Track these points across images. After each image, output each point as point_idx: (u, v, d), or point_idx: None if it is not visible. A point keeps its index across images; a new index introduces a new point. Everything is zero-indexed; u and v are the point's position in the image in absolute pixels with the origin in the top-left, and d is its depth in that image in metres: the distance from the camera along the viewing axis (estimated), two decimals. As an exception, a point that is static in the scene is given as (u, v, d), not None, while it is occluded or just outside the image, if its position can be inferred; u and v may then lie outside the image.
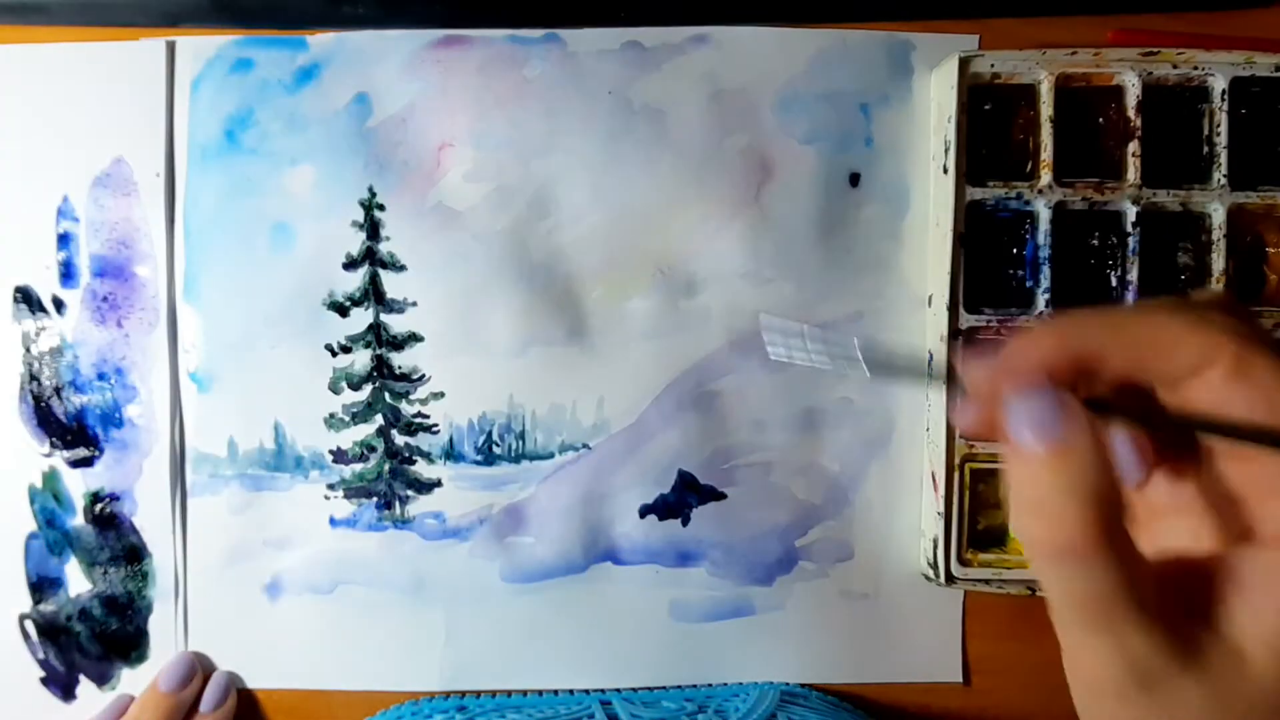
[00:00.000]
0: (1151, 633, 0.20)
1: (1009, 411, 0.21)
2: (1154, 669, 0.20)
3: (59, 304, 0.38)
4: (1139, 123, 0.35)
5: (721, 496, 0.38)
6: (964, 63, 0.35)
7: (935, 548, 0.36)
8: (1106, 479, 0.20)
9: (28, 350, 0.38)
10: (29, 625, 0.39)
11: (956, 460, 0.36)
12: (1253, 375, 0.20)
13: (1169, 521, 0.24)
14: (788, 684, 0.38)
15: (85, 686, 0.39)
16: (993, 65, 0.35)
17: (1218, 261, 0.35)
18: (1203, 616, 0.20)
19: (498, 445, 0.38)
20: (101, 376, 0.38)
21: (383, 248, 0.38)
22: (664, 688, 0.38)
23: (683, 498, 0.38)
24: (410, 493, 0.38)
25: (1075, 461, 0.20)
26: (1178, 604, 0.20)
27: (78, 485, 0.38)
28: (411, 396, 0.38)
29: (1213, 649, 0.20)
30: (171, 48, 0.38)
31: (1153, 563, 0.21)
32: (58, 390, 0.38)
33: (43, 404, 0.38)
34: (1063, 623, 0.21)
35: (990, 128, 0.37)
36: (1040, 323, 0.22)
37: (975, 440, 0.23)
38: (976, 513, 0.37)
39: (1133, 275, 0.35)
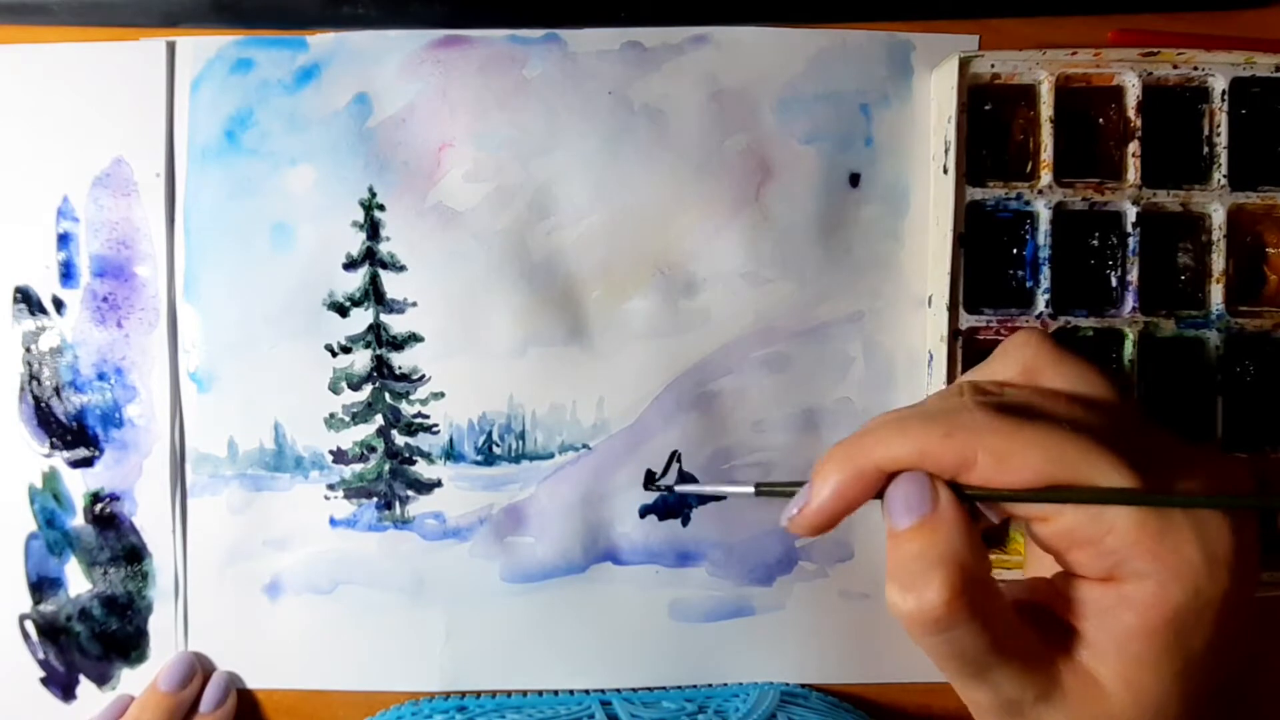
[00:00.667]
0: (1017, 673, 0.22)
1: (887, 495, 0.23)
2: (1019, 701, 0.22)
3: (59, 304, 0.38)
4: (1139, 123, 0.35)
5: (721, 497, 0.38)
6: (964, 63, 0.35)
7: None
8: (968, 547, 0.22)
9: (28, 350, 0.38)
10: (29, 625, 0.39)
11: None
12: (1011, 460, 0.22)
13: (1033, 549, 0.27)
14: (788, 684, 0.38)
15: (85, 686, 0.39)
16: (993, 65, 0.35)
17: (1218, 261, 0.35)
18: (1065, 647, 0.22)
19: (498, 445, 0.38)
20: (101, 376, 0.38)
21: (383, 248, 0.38)
22: (664, 688, 0.38)
23: (682, 498, 0.38)
24: (410, 493, 0.38)
25: (941, 532, 0.22)
26: (1044, 636, 0.23)
27: (78, 485, 0.38)
28: (411, 397, 0.38)
29: (1072, 680, 0.22)
30: (171, 48, 0.38)
31: (1020, 598, 0.24)
32: (58, 390, 0.38)
33: (43, 404, 0.38)
34: (945, 673, 0.23)
35: (990, 128, 0.37)
36: (846, 439, 0.24)
37: (802, 535, 0.26)
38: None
39: (1133, 275, 0.35)
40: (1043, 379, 0.25)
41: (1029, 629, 0.23)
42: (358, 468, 0.38)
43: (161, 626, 0.38)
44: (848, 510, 0.24)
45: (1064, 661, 0.22)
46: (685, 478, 0.38)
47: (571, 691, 0.38)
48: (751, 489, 0.28)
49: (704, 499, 0.38)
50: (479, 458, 0.38)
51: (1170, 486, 0.22)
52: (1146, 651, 0.21)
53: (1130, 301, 0.35)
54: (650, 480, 0.33)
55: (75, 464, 0.38)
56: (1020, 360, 0.25)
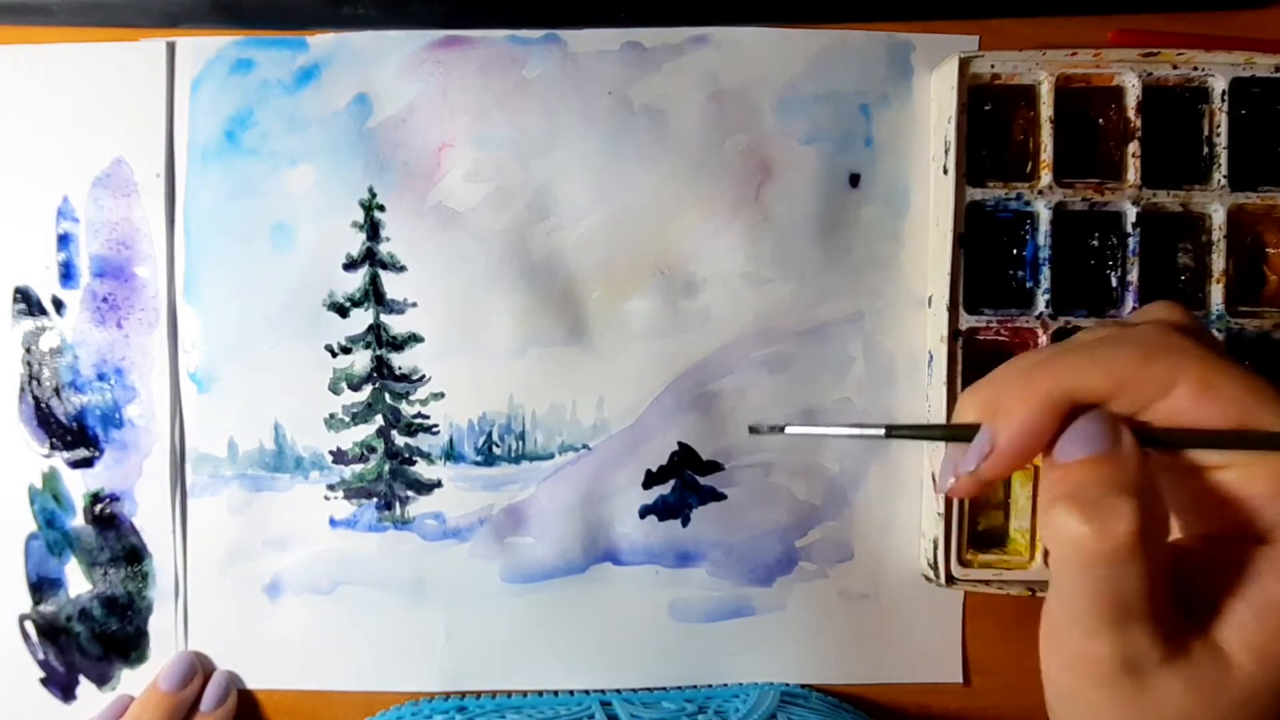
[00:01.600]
0: (1150, 629, 0.21)
1: (1064, 435, 0.22)
2: (1144, 660, 0.21)
3: (59, 304, 0.38)
4: (1139, 123, 0.35)
5: (721, 497, 0.38)
6: (964, 63, 0.35)
7: (935, 548, 0.36)
8: (1151, 486, 0.21)
9: (28, 351, 0.38)
10: (29, 626, 0.39)
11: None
12: (1219, 389, 0.21)
13: (1178, 520, 0.25)
14: (788, 684, 0.38)
15: (85, 687, 0.39)
16: (993, 66, 0.35)
17: (1218, 262, 0.35)
18: (1194, 614, 0.21)
19: (498, 446, 0.38)
20: (101, 377, 0.38)
21: (383, 248, 0.38)
22: (664, 688, 0.38)
23: (682, 497, 0.38)
24: (410, 493, 0.38)
25: (1127, 467, 0.21)
26: (1175, 600, 0.21)
27: (78, 486, 0.38)
28: (411, 397, 0.38)
29: (1198, 646, 0.21)
30: (171, 48, 0.38)
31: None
32: (58, 391, 0.38)
33: (43, 404, 0.38)
34: (1073, 616, 0.21)
35: (990, 128, 0.37)
36: (1012, 371, 0.23)
37: (969, 495, 0.24)
38: (976, 513, 0.37)
39: (1133, 276, 0.35)
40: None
41: (1169, 589, 0.21)
42: (358, 468, 0.38)
43: (161, 627, 0.38)
44: (1036, 452, 0.22)
45: (1193, 628, 0.21)
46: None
47: (571, 692, 0.38)
48: (882, 430, 0.25)
49: (705, 499, 0.38)
50: (479, 458, 0.38)
51: None
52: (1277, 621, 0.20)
53: (1130, 301, 0.35)
54: (755, 428, 0.30)
55: (75, 464, 0.38)
56: (1167, 319, 0.24)
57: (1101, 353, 0.22)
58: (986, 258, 0.36)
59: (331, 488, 0.38)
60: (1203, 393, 0.21)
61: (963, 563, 0.36)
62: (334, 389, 0.38)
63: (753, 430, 0.28)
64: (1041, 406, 0.22)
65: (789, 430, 0.27)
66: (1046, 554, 0.37)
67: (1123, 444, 0.21)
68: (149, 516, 0.38)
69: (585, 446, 0.38)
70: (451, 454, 0.38)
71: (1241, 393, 0.21)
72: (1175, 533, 0.25)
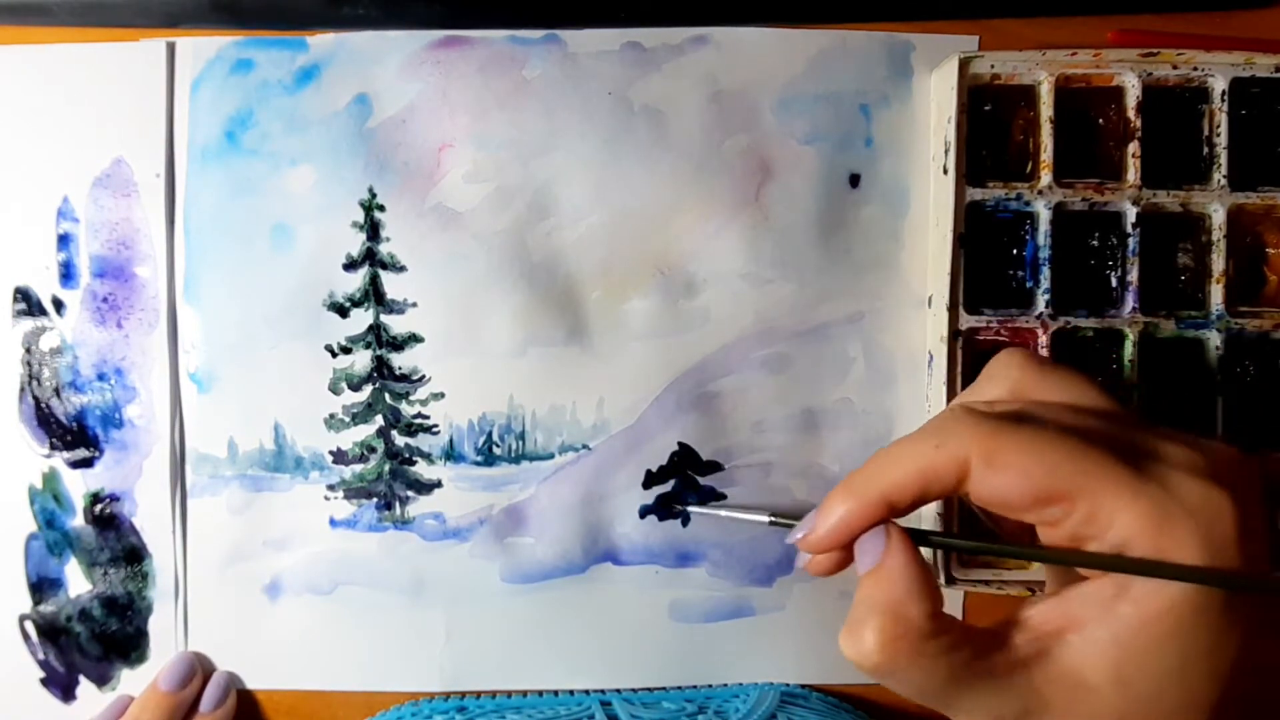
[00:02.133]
0: (988, 695, 0.22)
1: (855, 547, 0.25)
2: (1011, 717, 0.22)
3: (59, 304, 0.38)
4: (1139, 123, 0.35)
5: (721, 497, 0.38)
6: (964, 63, 0.35)
7: (935, 548, 0.36)
8: (908, 594, 0.23)
9: (28, 351, 0.38)
10: (29, 626, 0.39)
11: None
12: (1001, 463, 0.22)
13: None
14: (788, 685, 0.38)
15: (85, 687, 0.39)
16: (993, 66, 0.35)
17: (1218, 262, 0.35)
18: (1045, 658, 0.22)
19: (498, 446, 0.38)
20: (101, 377, 0.38)
21: (383, 248, 0.38)
22: (664, 688, 0.38)
23: (682, 497, 0.38)
24: (410, 493, 0.38)
25: (883, 581, 0.23)
26: (1021, 652, 0.23)
27: (78, 486, 0.38)
28: (412, 397, 0.38)
29: (1054, 690, 0.22)
30: (171, 48, 0.38)
31: (1013, 616, 0.24)
32: (57, 391, 0.38)
33: (43, 404, 0.38)
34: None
35: (990, 128, 0.37)
36: (825, 506, 0.25)
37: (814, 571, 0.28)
38: (977, 514, 0.37)
39: (1133, 276, 0.35)
40: (1032, 394, 0.25)
41: (1002, 649, 0.23)
42: (358, 468, 0.38)
43: (161, 627, 0.38)
44: (849, 538, 0.25)
45: (1044, 673, 0.22)
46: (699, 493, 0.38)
47: (571, 692, 0.38)
48: (766, 518, 0.29)
49: (705, 499, 0.38)
50: (479, 458, 0.38)
51: (1166, 478, 0.22)
52: (1142, 644, 0.21)
53: (1130, 302, 0.35)
54: (668, 502, 0.35)
55: (75, 464, 0.38)
56: (1007, 379, 0.26)
57: (905, 450, 0.24)
58: (986, 258, 0.36)
59: (331, 488, 0.38)
60: (989, 469, 0.22)
61: (963, 563, 0.36)
62: (334, 389, 0.38)
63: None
64: (854, 505, 0.24)
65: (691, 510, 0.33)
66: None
67: (888, 553, 0.24)
68: (149, 517, 0.38)
69: (585, 446, 0.38)
70: (451, 454, 0.38)
71: (1024, 459, 0.22)
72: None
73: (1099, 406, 0.24)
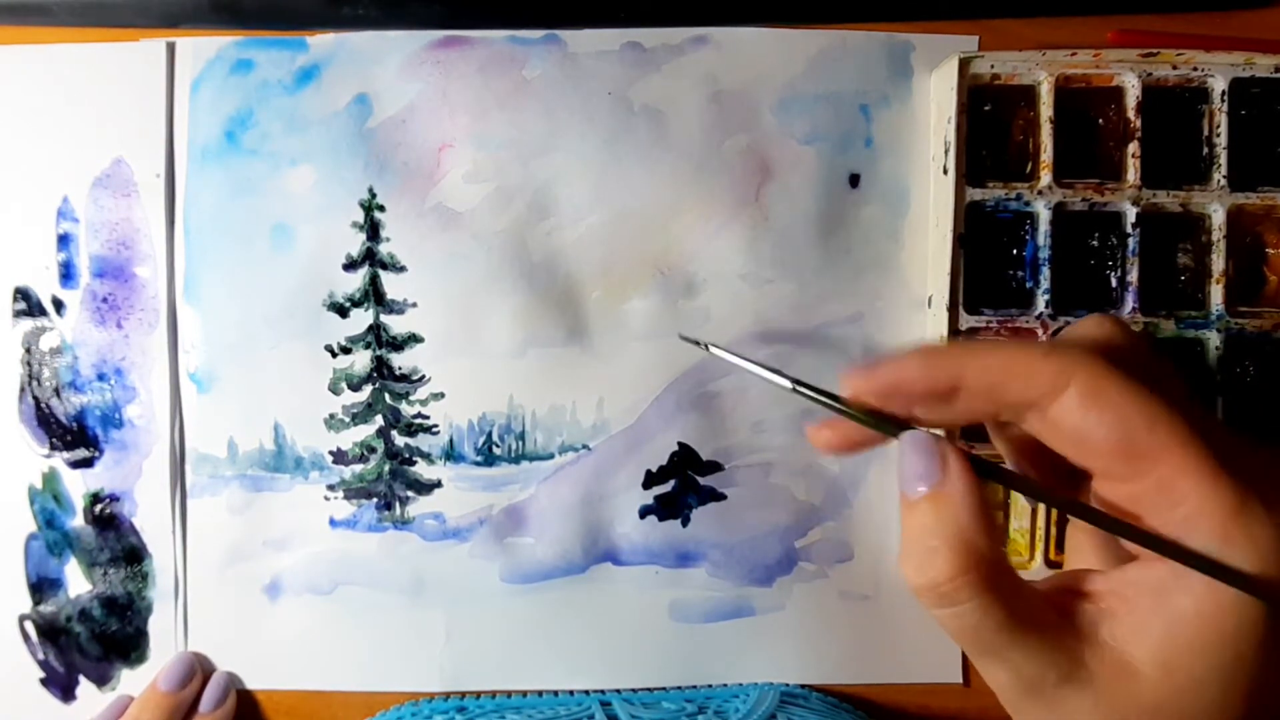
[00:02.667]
0: (1035, 653, 0.22)
1: (898, 460, 0.23)
2: (1040, 681, 0.22)
3: (59, 304, 0.38)
4: (1139, 123, 0.35)
5: (721, 497, 0.38)
6: (964, 63, 0.35)
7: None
8: (976, 523, 0.22)
9: (27, 351, 0.38)
10: (29, 626, 0.39)
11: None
12: (1104, 399, 0.21)
13: (1074, 539, 0.26)
14: (788, 685, 0.38)
15: (85, 687, 0.39)
16: (992, 66, 0.35)
17: (1217, 262, 0.35)
18: (1094, 630, 0.22)
19: (498, 446, 0.38)
20: (101, 377, 0.38)
21: (383, 249, 0.38)
22: (664, 688, 0.38)
23: (683, 497, 0.38)
24: (410, 493, 0.38)
25: (950, 507, 0.22)
26: (1071, 619, 0.22)
27: (77, 486, 0.38)
28: (411, 397, 0.38)
29: (1098, 663, 0.22)
30: (171, 49, 0.38)
31: (1051, 582, 0.23)
32: (57, 391, 0.38)
33: (43, 405, 0.38)
34: (965, 649, 0.23)
35: (990, 128, 0.37)
36: (908, 351, 0.24)
37: (833, 454, 0.25)
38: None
39: (1133, 276, 0.35)
40: (1122, 356, 0.24)
41: (1053, 610, 0.22)
42: (358, 468, 0.38)
43: (161, 627, 0.38)
44: (902, 389, 0.24)
45: (1093, 645, 0.22)
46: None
47: (571, 692, 0.38)
48: (789, 383, 0.26)
49: (705, 499, 0.38)
50: (479, 458, 0.38)
51: (1252, 476, 0.21)
52: (1194, 638, 0.21)
53: (1130, 302, 0.35)
54: (685, 335, 0.32)
55: (75, 464, 0.38)
56: (1096, 339, 0.24)
57: (1009, 344, 0.23)
58: (986, 258, 0.36)
59: (331, 488, 0.38)
60: (1088, 400, 0.21)
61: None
62: (334, 389, 0.38)
63: (683, 338, 0.31)
64: (931, 366, 0.23)
65: (712, 350, 0.29)
66: (1047, 554, 0.37)
67: (949, 476, 0.22)
68: (149, 517, 0.38)
69: (585, 446, 0.38)
70: (451, 454, 0.38)
71: (1126, 409, 0.21)
72: (1073, 552, 0.27)
73: (1179, 388, 0.23)
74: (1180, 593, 0.21)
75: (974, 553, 0.22)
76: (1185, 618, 0.21)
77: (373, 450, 0.38)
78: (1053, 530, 0.37)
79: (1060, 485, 0.25)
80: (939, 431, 0.24)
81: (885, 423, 0.24)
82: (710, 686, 0.38)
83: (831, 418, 0.25)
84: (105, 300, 0.38)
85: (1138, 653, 0.21)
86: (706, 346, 0.29)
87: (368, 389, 0.38)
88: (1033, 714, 0.23)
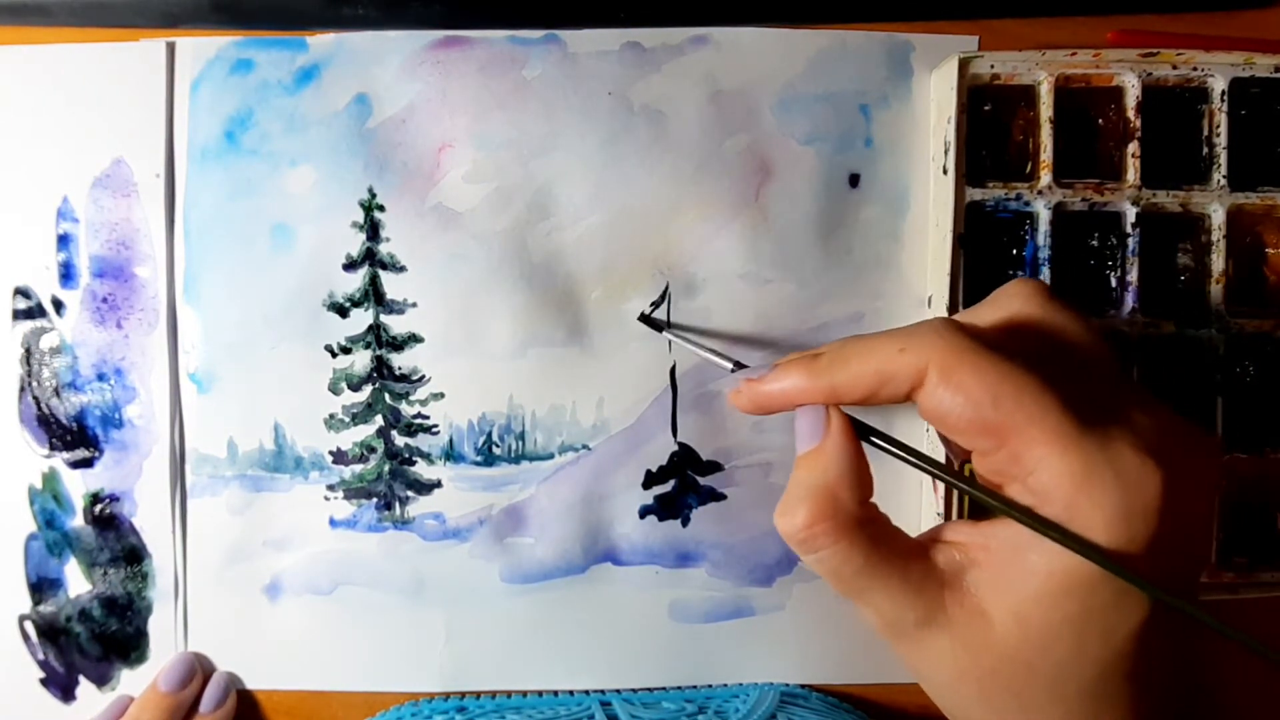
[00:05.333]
0: (894, 596, 0.24)
1: (795, 424, 0.26)
2: (900, 622, 0.24)
3: (58, 305, 0.38)
4: (1138, 123, 0.35)
5: (721, 497, 0.38)
6: (964, 63, 0.35)
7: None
8: (842, 478, 0.24)
9: (27, 351, 0.38)
10: (28, 626, 0.39)
11: (956, 464, 0.35)
12: (954, 380, 0.23)
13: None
14: (788, 685, 0.38)
15: (85, 687, 0.39)
16: (992, 66, 0.35)
17: (1217, 262, 0.35)
18: (957, 579, 0.24)
19: (497, 446, 0.38)
20: (101, 377, 0.38)
21: (382, 249, 0.38)
22: (664, 688, 0.38)
23: (683, 497, 0.38)
24: (410, 493, 0.38)
25: (820, 462, 0.24)
26: (936, 567, 0.24)
27: (77, 486, 0.38)
28: (411, 397, 0.38)
29: (957, 608, 0.23)
30: (171, 49, 0.38)
31: (928, 533, 0.25)
32: (57, 391, 0.38)
33: (43, 405, 0.38)
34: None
35: (990, 128, 0.37)
36: (785, 371, 0.26)
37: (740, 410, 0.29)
38: (976, 514, 0.37)
39: (1132, 276, 0.35)
40: (1028, 325, 0.25)
41: (919, 558, 0.24)
42: (358, 468, 0.38)
43: (161, 627, 0.38)
44: (787, 407, 0.26)
45: (953, 592, 0.23)
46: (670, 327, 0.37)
47: (571, 692, 0.38)
48: (730, 365, 0.30)
49: (705, 498, 0.38)
50: (479, 458, 0.38)
51: (1108, 440, 0.22)
52: (1044, 591, 0.22)
53: (1130, 302, 0.35)
54: (644, 316, 0.36)
55: (75, 465, 0.38)
56: (1008, 306, 0.25)
57: (872, 348, 0.24)
58: (986, 258, 0.36)
59: (331, 488, 0.38)
60: (942, 382, 0.23)
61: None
62: (334, 389, 0.38)
63: (641, 319, 0.35)
64: (805, 385, 0.25)
65: (666, 334, 0.33)
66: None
67: (828, 436, 0.25)
68: (149, 517, 0.38)
69: (585, 446, 0.38)
70: (451, 454, 0.38)
71: (973, 389, 0.22)
72: None
73: (1088, 353, 0.24)
74: (1034, 549, 0.22)
75: (832, 503, 0.24)
76: (1038, 572, 0.22)
77: (373, 450, 0.38)
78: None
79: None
80: None
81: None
82: (710, 686, 0.38)
83: (744, 380, 0.27)
84: (105, 300, 0.38)
85: (994, 601, 0.23)
86: (663, 329, 0.34)
87: (368, 389, 0.38)
88: (902, 652, 0.25)
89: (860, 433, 0.25)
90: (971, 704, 0.24)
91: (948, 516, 0.36)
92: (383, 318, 0.38)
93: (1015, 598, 0.22)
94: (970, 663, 0.23)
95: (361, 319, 0.38)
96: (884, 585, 0.24)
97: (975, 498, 0.24)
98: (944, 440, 0.29)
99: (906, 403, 0.24)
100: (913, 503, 0.38)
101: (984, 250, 0.36)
